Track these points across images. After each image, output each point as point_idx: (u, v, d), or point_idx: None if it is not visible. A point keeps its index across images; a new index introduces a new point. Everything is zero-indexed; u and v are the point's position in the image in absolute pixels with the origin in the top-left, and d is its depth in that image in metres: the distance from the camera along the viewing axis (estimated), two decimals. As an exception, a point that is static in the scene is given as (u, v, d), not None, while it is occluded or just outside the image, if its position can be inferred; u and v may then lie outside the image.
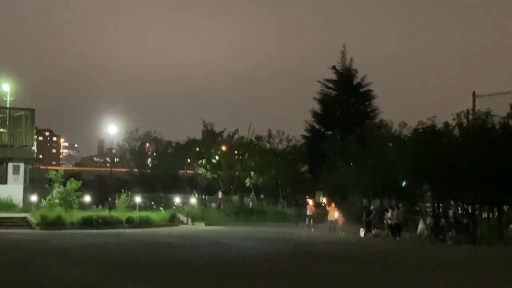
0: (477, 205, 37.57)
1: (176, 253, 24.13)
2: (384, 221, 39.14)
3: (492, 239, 33.09)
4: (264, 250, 26.24)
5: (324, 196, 56.86)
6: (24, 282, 15.69)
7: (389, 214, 39.41)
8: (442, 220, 36.63)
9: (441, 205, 43.20)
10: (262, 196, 64.32)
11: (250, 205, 57.46)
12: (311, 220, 42.84)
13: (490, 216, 40.49)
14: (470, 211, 37.53)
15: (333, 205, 42.71)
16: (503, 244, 31.88)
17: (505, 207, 39.49)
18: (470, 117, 38.19)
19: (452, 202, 42.80)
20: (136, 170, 70.78)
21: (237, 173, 58.41)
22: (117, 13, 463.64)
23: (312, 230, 41.02)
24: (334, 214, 40.64)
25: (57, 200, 40.67)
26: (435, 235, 34.58)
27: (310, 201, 46.87)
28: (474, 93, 45.32)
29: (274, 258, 23.45)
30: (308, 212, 43.49)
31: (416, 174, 38.18)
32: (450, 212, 41.91)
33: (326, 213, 43.83)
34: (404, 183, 47.69)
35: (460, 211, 40.35)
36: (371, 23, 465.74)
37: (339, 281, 17.54)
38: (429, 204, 46.14)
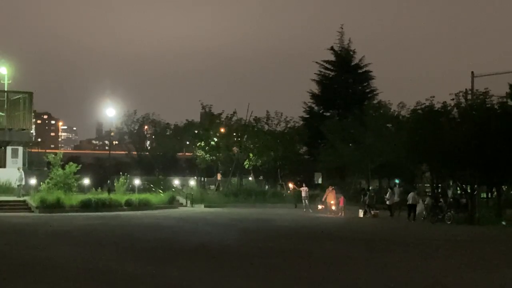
0: (475, 185, 37.57)
1: (174, 235, 24.20)
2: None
3: (491, 219, 33.11)
4: (262, 230, 26.27)
5: (321, 177, 56.83)
6: (27, 263, 15.70)
7: (387, 195, 39.60)
8: (441, 200, 36.66)
9: (440, 185, 43.23)
10: (261, 177, 64.34)
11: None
12: (306, 201, 42.66)
13: (489, 196, 40.48)
14: (468, 191, 37.53)
15: (330, 187, 42.54)
16: (502, 223, 31.96)
17: (504, 187, 39.49)
18: (469, 96, 38.08)
19: (450, 183, 42.82)
20: (134, 152, 70.67)
21: (235, 155, 58.35)
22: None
23: (310, 211, 40.87)
24: (333, 197, 40.48)
25: (56, 183, 40.65)
26: (434, 215, 34.59)
27: (290, 184, 47.23)
28: (472, 73, 45.09)
29: (274, 238, 23.48)
30: (303, 194, 43.37)
31: (415, 153, 38.12)
32: (449, 192, 41.97)
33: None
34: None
35: (458, 191, 40.39)
36: (368, 2, 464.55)
37: (339, 260, 17.57)
38: (428, 185, 46.19)
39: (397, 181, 48.78)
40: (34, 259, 16.45)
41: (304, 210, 41.95)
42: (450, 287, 13.38)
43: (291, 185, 46.98)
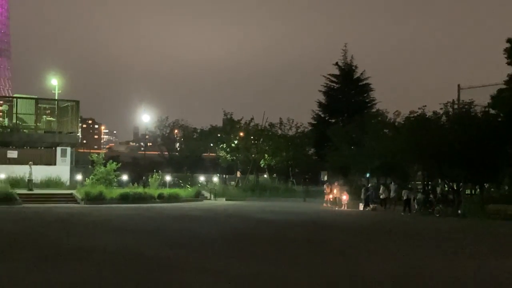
0: (461, 183, 37.52)
1: (199, 224, 24.28)
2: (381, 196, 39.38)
3: (474, 213, 33.00)
4: (276, 221, 26.38)
5: (326, 175, 56.64)
6: (72, 247, 15.90)
7: (380, 190, 39.68)
8: (431, 196, 36.61)
9: (430, 183, 43.10)
10: (274, 175, 64.37)
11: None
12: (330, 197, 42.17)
13: (473, 192, 40.30)
14: (455, 188, 37.46)
15: (336, 183, 42.57)
16: (484, 217, 31.84)
17: (486, 185, 39.34)
18: (456, 106, 38.08)
19: (439, 181, 42.67)
20: (166, 153, 70.87)
21: (253, 156, 58.53)
22: (152, 14, 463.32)
23: (328, 205, 40.53)
24: (339, 192, 40.58)
25: (98, 179, 40.98)
26: (425, 209, 34.56)
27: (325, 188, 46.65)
28: (459, 85, 44.98)
29: (283, 226, 23.63)
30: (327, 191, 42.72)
31: (409, 155, 38.08)
32: (438, 189, 41.82)
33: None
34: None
35: (446, 188, 40.28)
36: (369, 21, 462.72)
37: (340, 247, 17.67)
38: (420, 182, 46.02)
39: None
40: (78, 245, 16.60)
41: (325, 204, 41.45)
42: (438, 270, 13.48)
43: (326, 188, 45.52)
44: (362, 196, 39.05)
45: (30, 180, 38.19)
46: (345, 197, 39.76)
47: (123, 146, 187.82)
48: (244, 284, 11.10)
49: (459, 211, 33.55)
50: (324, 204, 40.80)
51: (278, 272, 12.53)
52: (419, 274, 12.75)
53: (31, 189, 37.32)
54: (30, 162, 39.40)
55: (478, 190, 39.14)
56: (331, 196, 40.96)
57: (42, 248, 15.55)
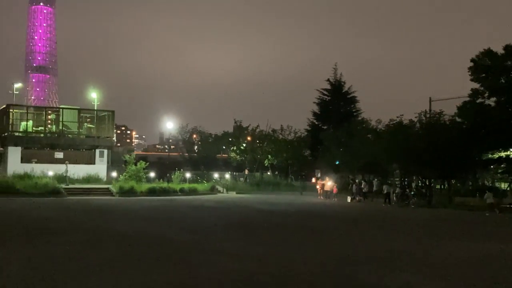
0: (432, 179, 37.47)
1: (214, 213, 24.35)
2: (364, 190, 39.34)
3: (443, 204, 32.99)
4: (277, 211, 26.43)
5: (320, 173, 56.67)
6: (106, 231, 16.02)
7: (362, 185, 39.67)
8: (407, 190, 36.59)
9: (406, 179, 43.05)
10: (276, 172, 64.46)
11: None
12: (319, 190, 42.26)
13: (442, 187, 40.25)
14: (427, 183, 37.41)
15: (327, 178, 42.58)
16: (451, 207, 31.82)
17: (453, 181, 39.30)
18: (428, 115, 38.06)
19: (414, 177, 42.63)
20: (186, 154, 70.94)
21: (258, 156, 58.67)
22: (173, 35, 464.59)
23: (321, 198, 40.53)
24: (329, 185, 40.62)
25: (130, 176, 41.15)
26: (402, 201, 34.55)
27: (313, 179, 46.68)
28: (430, 98, 44.85)
29: (284, 215, 23.64)
30: (318, 186, 42.85)
31: (389, 156, 38.08)
32: (413, 184, 41.77)
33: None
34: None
35: (420, 184, 40.22)
36: (356, 40, 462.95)
37: (331, 231, 17.69)
38: (398, 179, 45.96)
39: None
40: (112, 229, 16.72)
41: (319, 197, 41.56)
42: (412, 249, 13.50)
43: (314, 180, 46.27)
44: (353, 190, 39.08)
45: (66, 176, 38.43)
46: (334, 190, 39.86)
47: (151, 148, 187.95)
48: (251, 262, 11.16)
49: (431, 203, 33.60)
50: (319, 197, 40.83)
51: (277, 253, 12.60)
52: (398, 252, 12.77)
53: (67, 184, 37.49)
54: (66, 162, 39.75)
55: (446, 185, 39.11)
56: (318, 187, 41.14)
57: (84, 232, 15.66)
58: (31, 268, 9.84)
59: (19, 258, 10.88)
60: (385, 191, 36.04)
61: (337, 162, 47.61)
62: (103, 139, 45.81)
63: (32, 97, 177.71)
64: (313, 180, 42.51)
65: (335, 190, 39.90)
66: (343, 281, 9.47)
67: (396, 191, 36.05)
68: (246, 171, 59.40)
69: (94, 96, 51.21)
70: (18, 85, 55.22)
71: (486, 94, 37.70)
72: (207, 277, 9.45)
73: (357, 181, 43.17)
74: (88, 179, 41.86)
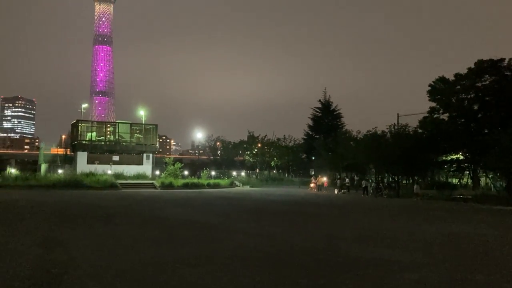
0: (400, 176, 37.16)
1: (233, 201, 24.34)
2: (347, 184, 39.13)
3: (408, 195, 32.70)
4: (280, 200, 26.39)
5: (313, 171, 56.50)
6: (149, 217, 15.96)
7: (347, 180, 39.46)
8: (380, 184, 36.32)
9: (379, 176, 42.76)
10: (280, 171, 64.40)
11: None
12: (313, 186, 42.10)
13: (407, 182, 39.95)
14: (396, 179, 37.11)
15: (320, 176, 42.41)
16: (414, 198, 31.56)
17: (416, 177, 39.02)
18: (396, 127, 37.83)
19: (386, 174, 42.37)
20: (211, 157, 71.26)
21: (266, 159, 58.70)
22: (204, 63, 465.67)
23: (315, 191, 40.33)
24: (322, 180, 40.52)
25: (169, 173, 41.32)
26: (377, 193, 34.32)
27: (312, 179, 46.52)
28: (398, 114, 44.33)
29: (286, 203, 23.56)
30: (312, 185, 42.63)
31: (366, 159, 37.92)
32: (385, 180, 41.45)
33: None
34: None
35: (390, 179, 39.92)
36: (343, 69, 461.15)
37: (323, 215, 17.58)
38: (373, 175, 45.68)
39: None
40: (155, 214, 16.67)
41: (310, 190, 41.32)
42: (386, 229, 13.42)
43: (312, 179, 45.62)
44: (338, 184, 38.95)
45: (112, 175, 38.64)
46: (325, 184, 39.77)
47: (185, 152, 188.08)
48: (261, 238, 11.17)
49: (399, 194, 33.32)
50: (309, 190, 40.72)
51: (282, 232, 12.58)
52: (374, 231, 12.70)
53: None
54: (110, 163, 40.03)
55: (410, 180, 38.79)
56: (312, 184, 41.02)
57: (133, 216, 15.76)
58: (98, 244, 9.94)
59: (89, 235, 10.99)
60: (363, 185, 35.85)
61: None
62: (149, 146, 46.08)
63: (95, 115, 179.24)
64: (312, 180, 42.29)
65: (325, 184, 39.88)
66: (332, 254, 9.46)
67: (372, 185, 35.86)
68: (257, 170, 59.45)
69: (142, 113, 51.48)
70: (85, 105, 55.77)
71: (441, 111, 37.84)
72: (227, 249, 9.49)
73: (341, 177, 43.00)
74: (137, 177, 42.09)
